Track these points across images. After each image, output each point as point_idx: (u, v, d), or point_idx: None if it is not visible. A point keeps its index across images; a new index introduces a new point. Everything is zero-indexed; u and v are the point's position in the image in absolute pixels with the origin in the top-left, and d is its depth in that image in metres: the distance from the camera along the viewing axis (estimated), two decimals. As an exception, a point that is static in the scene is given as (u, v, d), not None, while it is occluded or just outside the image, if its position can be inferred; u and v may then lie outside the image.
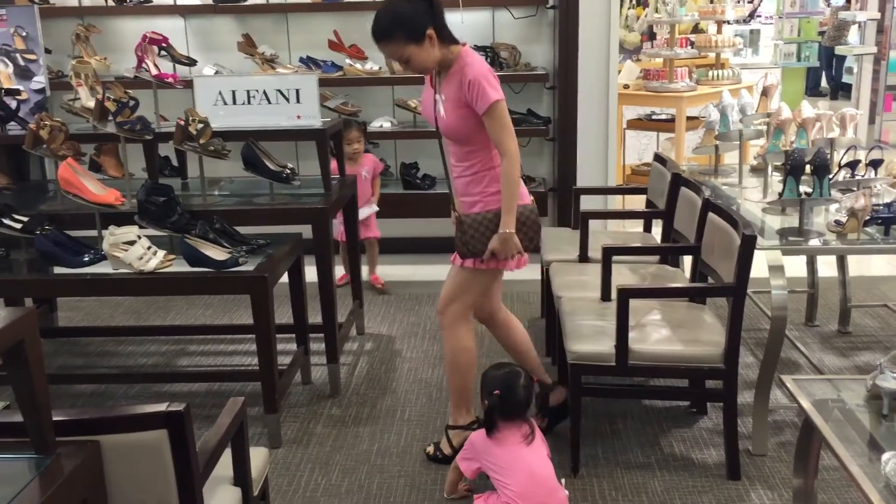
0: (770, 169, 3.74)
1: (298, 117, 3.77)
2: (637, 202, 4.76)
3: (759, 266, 2.93)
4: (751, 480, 2.95)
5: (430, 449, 3.16)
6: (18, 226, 3.29)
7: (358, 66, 5.14)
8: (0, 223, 3.28)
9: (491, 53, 5.10)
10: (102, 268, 3.18)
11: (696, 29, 7.68)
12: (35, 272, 3.27)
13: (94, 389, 3.77)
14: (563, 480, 2.73)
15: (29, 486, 1.45)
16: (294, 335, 3.78)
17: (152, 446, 1.70)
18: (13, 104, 3.92)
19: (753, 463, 3.05)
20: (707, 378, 3.15)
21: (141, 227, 3.25)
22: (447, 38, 2.85)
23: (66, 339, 4.33)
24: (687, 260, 3.71)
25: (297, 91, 3.74)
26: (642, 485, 2.94)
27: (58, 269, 3.23)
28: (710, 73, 6.63)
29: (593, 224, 3.87)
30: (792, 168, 3.19)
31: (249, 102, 3.76)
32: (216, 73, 4.99)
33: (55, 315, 4.40)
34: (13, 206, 3.38)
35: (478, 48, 5.09)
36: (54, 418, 1.57)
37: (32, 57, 4.07)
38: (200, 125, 3.49)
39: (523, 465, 2.60)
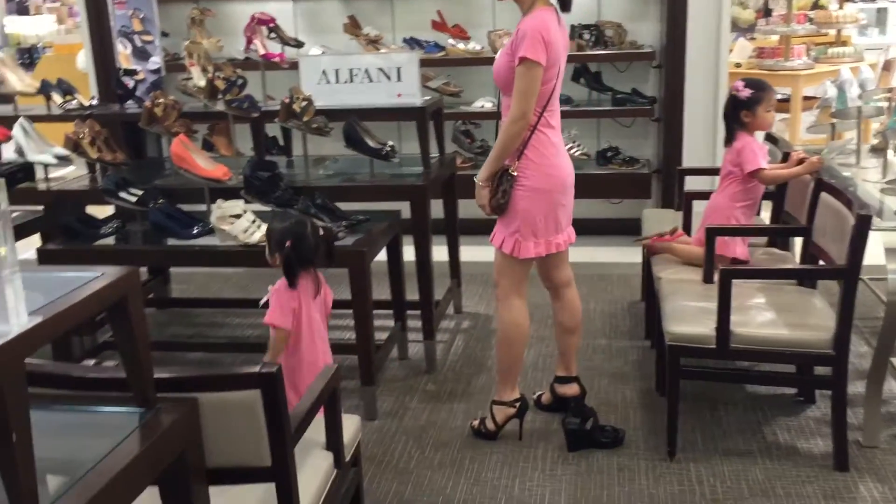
0: (891, 147, 3.53)
1: (399, 95, 3.81)
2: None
3: (876, 253, 2.78)
4: (860, 472, 2.80)
5: (476, 423, 3.18)
6: (133, 199, 3.46)
7: (461, 45, 5.14)
8: (117, 196, 3.46)
9: (595, 32, 5.00)
10: (210, 240, 3.31)
11: (815, 5, 7.31)
12: (149, 243, 3.43)
13: (202, 357, 3.93)
14: None
15: (130, 437, 1.52)
16: (392, 311, 3.83)
17: (246, 405, 1.76)
18: (131, 84, 4.12)
19: (863, 454, 2.90)
20: (815, 364, 3.02)
21: (247, 201, 3.36)
22: None
23: (178, 310, 4.53)
24: (798, 244, 3.55)
25: (399, 69, 3.78)
26: (742, 472, 2.84)
27: (169, 241, 3.38)
28: (830, 51, 6.30)
29: (697, 206, 3.75)
30: (914, 145, 3.00)
31: (352, 81, 3.81)
32: (322, 53, 5.09)
33: (169, 286, 4.61)
34: (130, 180, 3.54)
35: (583, 26, 5.01)
36: (156, 376, 1.64)
37: (149, 38, 4.27)
38: (304, 103, 3.58)
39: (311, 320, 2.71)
